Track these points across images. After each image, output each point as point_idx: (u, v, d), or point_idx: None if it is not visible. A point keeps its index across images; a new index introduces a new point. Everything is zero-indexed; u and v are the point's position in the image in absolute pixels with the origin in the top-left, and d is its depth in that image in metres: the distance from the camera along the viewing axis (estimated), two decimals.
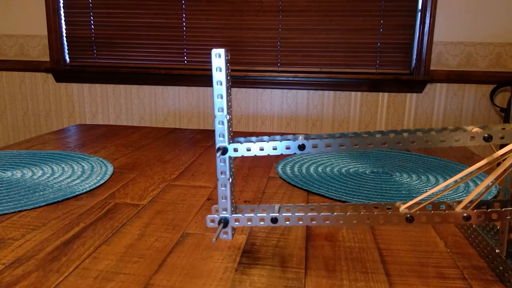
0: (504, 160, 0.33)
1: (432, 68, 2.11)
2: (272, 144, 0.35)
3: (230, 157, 0.36)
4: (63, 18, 2.38)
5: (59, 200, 0.54)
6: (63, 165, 0.70)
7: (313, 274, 0.37)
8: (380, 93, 2.20)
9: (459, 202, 0.36)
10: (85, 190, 0.58)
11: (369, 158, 0.79)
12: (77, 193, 0.57)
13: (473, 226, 0.43)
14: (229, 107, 0.34)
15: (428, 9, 2.07)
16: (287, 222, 0.36)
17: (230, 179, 0.36)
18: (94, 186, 0.60)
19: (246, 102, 2.33)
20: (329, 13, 2.17)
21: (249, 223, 0.36)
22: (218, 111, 0.34)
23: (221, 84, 0.34)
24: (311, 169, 0.71)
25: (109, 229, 0.46)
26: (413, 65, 2.16)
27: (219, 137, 0.35)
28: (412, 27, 2.13)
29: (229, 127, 0.35)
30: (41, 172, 0.66)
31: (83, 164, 0.71)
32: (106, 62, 2.39)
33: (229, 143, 0.35)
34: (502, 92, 2.12)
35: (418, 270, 0.38)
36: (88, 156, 0.77)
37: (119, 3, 2.30)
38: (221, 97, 0.34)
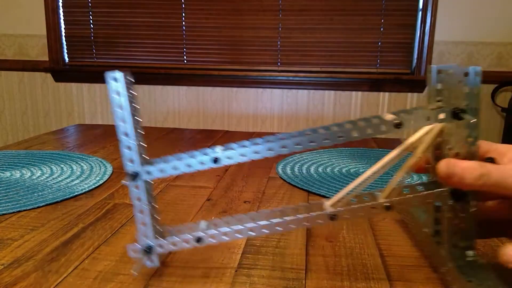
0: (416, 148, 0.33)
1: None
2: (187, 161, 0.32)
3: (146, 181, 0.33)
4: (62, 17, 2.37)
5: (58, 200, 0.54)
6: (62, 165, 0.70)
7: (313, 275, 0.37)
8: (381, 93, 2.20)
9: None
10: (84, 191, 0.58)
11: (369, 159, 0.79)
12: (76, 193, 0.56)
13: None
14: (136, 129, 0.32)
15: (429, 8, 2.07)
16: (213, 240, 0.34)
17: (148, 204, 0.33)
18: (93, 187, 0.60)
19: (246, 102, 2.33)
20: (329, 12, 2.16)
21: (173, 247, 0.35)
22: (124, 136, 0.32)
23: (121, 108, 0.31)
24: (312, 169, 0.70)
25: (108, 229, 0.46)
26: (414, 64, 2.16)
27: (129, 162, 0.32)
28: (413, 27, 2.13)
29: (139, 149, 0.32)
30: (40, 172, 0.66)
31: (82, 164, 0.71)
32: (105, 61, 2.39)
33: (143, 165, 0.33)
34: (503, 92, 2.12)
35: (419, 270, 0.38)
36: (87, 156, 0.76)
37: (118, 2, 2.30)
38: (124, 122, 0.32)
